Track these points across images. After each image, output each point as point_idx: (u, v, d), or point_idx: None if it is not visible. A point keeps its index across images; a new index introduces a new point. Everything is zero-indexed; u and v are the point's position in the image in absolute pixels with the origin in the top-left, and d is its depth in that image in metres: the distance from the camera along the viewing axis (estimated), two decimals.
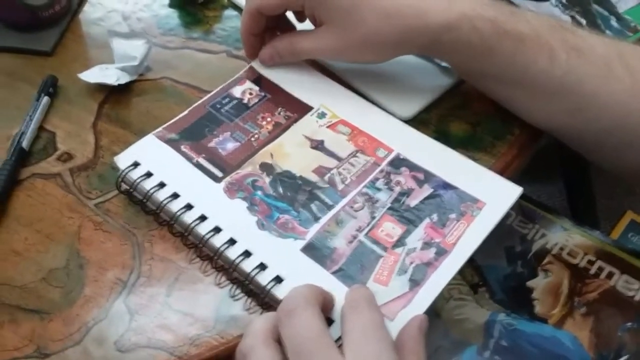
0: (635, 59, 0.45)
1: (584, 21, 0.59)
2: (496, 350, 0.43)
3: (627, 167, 0.51)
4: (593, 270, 0.48)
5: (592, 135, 0.48)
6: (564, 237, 0.50)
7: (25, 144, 0.48)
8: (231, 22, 0.59)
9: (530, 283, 0.47)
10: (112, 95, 0.52)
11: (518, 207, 0.52)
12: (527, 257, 0.49)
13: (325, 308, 0.36)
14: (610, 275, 0.47)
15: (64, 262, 0.42)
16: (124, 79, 0.52)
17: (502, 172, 0.48)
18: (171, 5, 0.61)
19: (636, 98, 0.44)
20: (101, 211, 0.45)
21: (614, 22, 0.60)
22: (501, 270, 0.48)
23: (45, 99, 0.51)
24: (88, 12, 0.60)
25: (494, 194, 0.44)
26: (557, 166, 1.05)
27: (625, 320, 0.45)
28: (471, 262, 0.48)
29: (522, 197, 0.52)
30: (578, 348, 0.43)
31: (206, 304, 0.40)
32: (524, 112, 0.50)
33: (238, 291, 0.41)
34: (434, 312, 0.45)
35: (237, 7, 0.61)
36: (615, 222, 1.00)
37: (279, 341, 0.33)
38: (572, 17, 0.59)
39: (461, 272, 0.48)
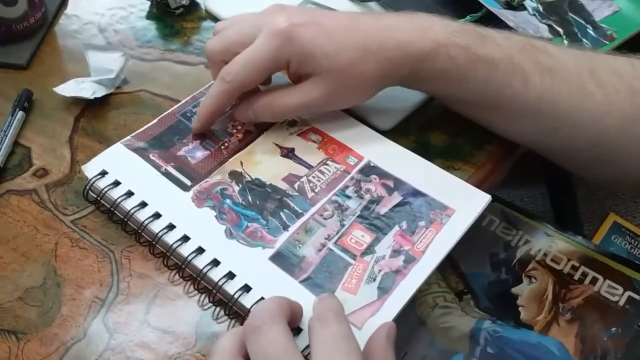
0: (606, 73, 0.45)
1: (561, 30, 0.60)
2: (483, 358, 0.43)
3: (605, 180, 0.51)
4: (577, 276, 0.48)
5: (569, 153, 0.49)
6: (548, 243, 0.50)
7: None
8: (209, 34, 0.59)
9: (515, 290, 0.47)
10: (88, 109, 0.52)
11: (501, 214, 0.52)
12: (511, 263, 0.49)
13: (293, 319, 0.36)
14: (594, 281, 0.47)
15: (40, 280, 0.41)
16: (100, 92, 0.51)
17: (482, 182, 0.48)
18: (148, 17, 0.60)
19: (609, 114, 0.45)
20: (78, 228, 0.44)
21: (590, 30, 0.60)
22: (486, 277, 0.48)
23: (20, 114, 0.50)
24: (64, 25, 0.59)
25: (463, 202, 0.44)
26: (539, 170, 1.06)
27: (610, 325, 0.45)
28: (456, 269, 0.48)
29: (505, 203, 0.52)
30: (564, 354, 0.43)
31: (186, 321, 0.40)
32: (501, 133, 0.50)
33: (207, 301, 0.40)
34: (419, 320, 0.45)
35: (215, 18, 0.60)
36: (598, 224, 1.00)
37: (246, 358, 0.33)
38: (550, 26, 0.60)
39: (446, 280, 0.48)
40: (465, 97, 0.47)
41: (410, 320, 0.45)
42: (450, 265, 0.48)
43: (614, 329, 0.44)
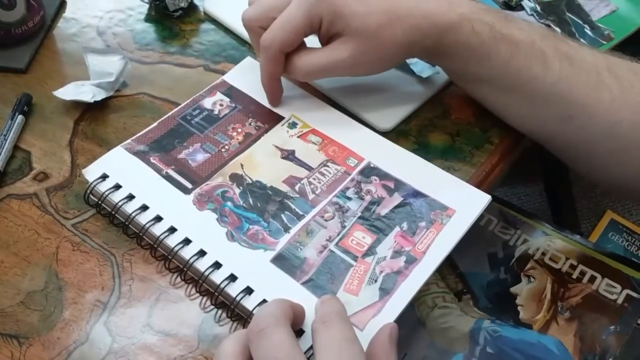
0: (622, 69, 0.46)
1: (559, 30, 0.60)
2: (482, 357, 0.43)
3: (615, 179, 0.51)
4: (575, 275, 0.48)
5: (582, 144, 0.49)
6: (546, 242, 0.50)
7: None
8: (208, 36, 0.59)
9: (513, 289, 0.48)
10: (88, 112, 0.52)
11: (499, 214, 0.52)
12: (509, 263, 0.49)
13: (296, 322, 0.36)
14: (592, 279, 0.47)
15: (42, 284, 0.41)
16: (100, 95, 0.51)
17: (481, 182, 0.48)
18: (147, 20, 0.60)
19: (624, 107, 0.45)
20: (79, 231, 0.44)
21: (588, 30, 0.61)
22: (484, 277, 0.48)
23: (19, 118, 0.50)
24: (62, 28, 0.59)
25: (463, 202, 0.44)
26: (537, 169, 1.06)
27: (608, 323, 0.45)
28: (455, 269, 0.49)
29: (503, 203, 0.53)
30: (563, 353, 0.44)
31: (188, 324, 0.40)
32: (516, 119, 0.50)
33: (208, 303, 0.41)
34: (418, 321, 0.45)
35: (214, 21, 0.60)
36: (595, 222, 1.01)
37: None
38: (548, 26, 0.60)
39: (445, 280, 0.48)
40: (485, 76, 0.47)
41: (410, 321, 0.45)
42: (449, 265, 0.48)
43: (612, 327, 0.45)
